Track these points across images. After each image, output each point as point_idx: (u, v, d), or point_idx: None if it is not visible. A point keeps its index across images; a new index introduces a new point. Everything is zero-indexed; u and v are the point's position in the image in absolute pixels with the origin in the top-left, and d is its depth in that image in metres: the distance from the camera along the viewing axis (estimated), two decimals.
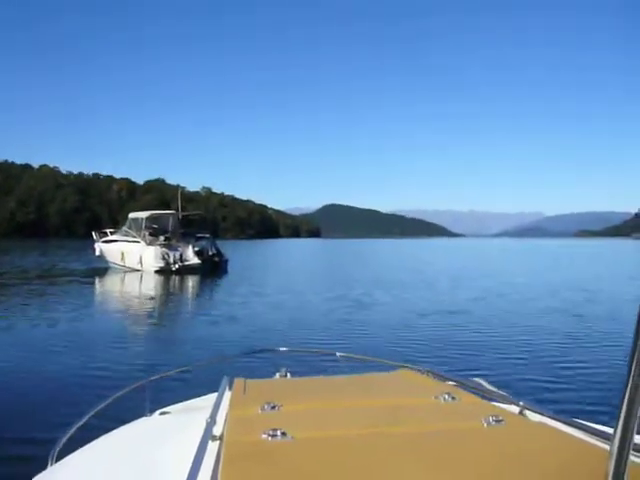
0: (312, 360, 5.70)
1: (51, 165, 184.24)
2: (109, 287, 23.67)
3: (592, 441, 1.40)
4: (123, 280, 26.13)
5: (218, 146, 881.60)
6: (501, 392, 2.02)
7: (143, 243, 28.82)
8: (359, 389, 2.07)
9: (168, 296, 20.25)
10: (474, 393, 1.94)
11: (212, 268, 28.92)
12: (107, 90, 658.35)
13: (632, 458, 0.76)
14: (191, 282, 25.81)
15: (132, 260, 29.03)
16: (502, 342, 10.26)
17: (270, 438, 1.36)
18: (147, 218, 30.09)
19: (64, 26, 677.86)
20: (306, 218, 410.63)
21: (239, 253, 52.08)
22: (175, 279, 26.11)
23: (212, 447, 1.44)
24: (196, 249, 29.56)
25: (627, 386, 0.73)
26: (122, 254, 29.77)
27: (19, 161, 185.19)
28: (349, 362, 3.09)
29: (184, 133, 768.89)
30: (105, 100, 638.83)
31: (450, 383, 2.12)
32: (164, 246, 28.60)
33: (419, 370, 2.35)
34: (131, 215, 31.71)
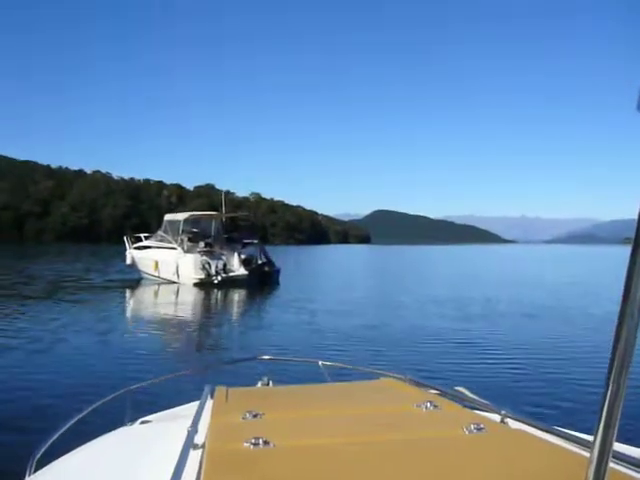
0: (294, 369, 5.42)
1: (104, 171, 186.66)
2: (125, 304, 19.10)
3: (572, 448, 1.41)
4: (150, 295, 21.65)
5: (268, 151, 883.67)
6: (482, 400, 2.01)
7: (180, 250, 24.02)
8: (341, 397, 2.06)
9: (202, 318, 15.65)
10: (455, 401, 1.92)
11: (261, 280, 24.24)
12: (158, 95, 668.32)
13: (611, 465, 0.77)
14: (236, 298, 21.30)
15: (167, 270, 24.31)
16: (484, 350, 10.30)
17: (252, 446, 1.34)
18: (185, 220, 25.14)
19: (110, 26, 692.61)
20: (355, 224, 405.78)
21: (289, 260, 47.47)
22: (217, 294, 21.60)
23: (194, 456, 1.40)
24: (242, 257, 24.88)
25: (606, 393, 0.74)
26: (155, 263, 24.97)
27: (73, 167, 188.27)
28: (332, 371, 2.94)
29: (234, 138, 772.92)
30: (157, 105, 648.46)
31: (432, 391, 2.10)
32: (205, 253, 23.83)
33: (401, 378, 2.31)
34: (167, 217, 26.67)
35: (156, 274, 25.04)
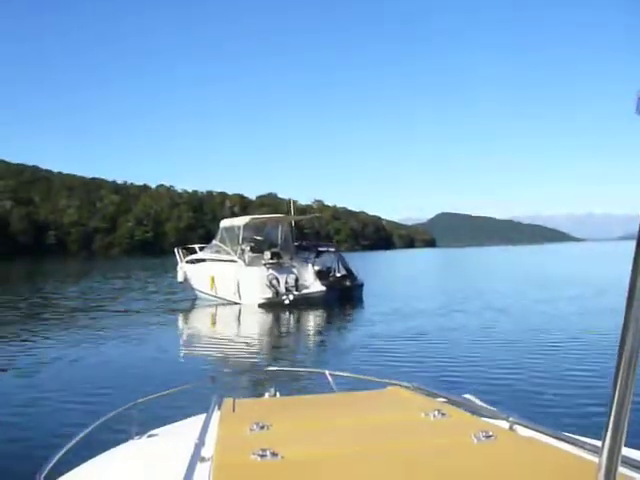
0: (301, 379, 5.34)
1: (167, 184, 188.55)
2: (156, 353, 14.10)
3: (582, 454, 1.40)
4: (202, 327, 16.59)
5: (330, 158, 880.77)
6: (491, 408, 1.98)
7: (240, 262, 19.27)
8: (349, 407, 2.03)
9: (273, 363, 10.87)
10: (464, 409, 1.89)
11: (342, 296, 19.42)
12: (218, 107, 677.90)
13: (621, 469, 0.76)
14: (312, 323, 16.47)
15: (226, 288, 19.60)
16: (492, 357, 9.86)
17: (260, 458, 1.33)
18: (246, 226, 20.30)
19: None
20: (420, 227, 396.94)
21: (360, 269, 42.32)
22: (289, 318, 16.88)
23: (201, 469, 1.37)
24: (316, 268, 20.13)
25: (613, 398, 0.73)
26: (212, 279, 20.35)
27: (138, 182, 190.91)
28: (339, 381, 2.87)
29: (294, 146, 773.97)
30: (217, 118, 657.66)
31: (440, 400, 2.07)
32: (272, 266, 19.05)
33: (408, 387, 2.28)
34: (223, 223, 21.83)
35: (213, 293, 20.41)
